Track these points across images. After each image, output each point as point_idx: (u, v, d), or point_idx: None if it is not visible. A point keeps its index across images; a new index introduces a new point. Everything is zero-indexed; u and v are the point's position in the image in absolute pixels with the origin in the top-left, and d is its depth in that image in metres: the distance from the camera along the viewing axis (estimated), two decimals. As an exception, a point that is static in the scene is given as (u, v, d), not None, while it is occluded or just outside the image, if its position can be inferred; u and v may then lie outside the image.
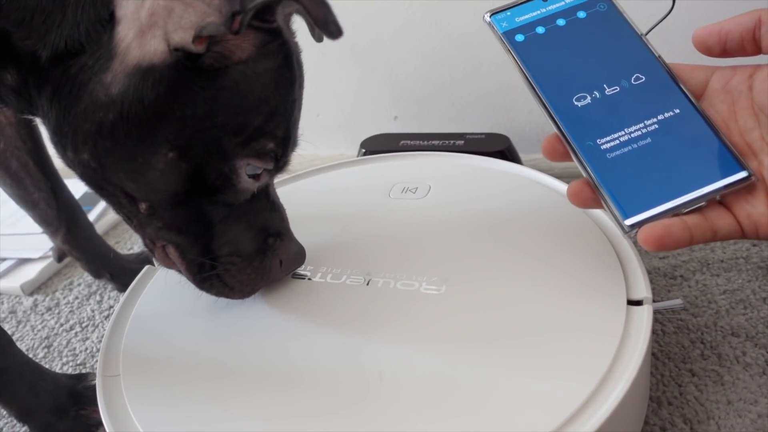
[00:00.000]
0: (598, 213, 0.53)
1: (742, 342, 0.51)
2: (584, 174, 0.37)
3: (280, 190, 0.61)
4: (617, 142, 0.37)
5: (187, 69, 0.37)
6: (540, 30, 0.41)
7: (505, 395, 0.37)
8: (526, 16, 0.42)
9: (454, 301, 0.45)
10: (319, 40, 0.48)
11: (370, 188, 0.61)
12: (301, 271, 0.51)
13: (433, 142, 0.72)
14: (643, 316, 0.41)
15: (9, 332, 0.66)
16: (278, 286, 0.49)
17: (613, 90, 0.39)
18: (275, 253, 0.46)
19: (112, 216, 0.89)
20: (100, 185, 0.41)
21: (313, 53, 0.79)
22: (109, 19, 0.36)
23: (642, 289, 0.44)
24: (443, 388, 0.39)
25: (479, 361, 0.40)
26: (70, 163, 0.41)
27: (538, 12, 0.42)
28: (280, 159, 0.43)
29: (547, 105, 0.39)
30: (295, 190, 0.64)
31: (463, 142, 0.71)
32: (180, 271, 0.46)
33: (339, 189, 0.63)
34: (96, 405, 0.43)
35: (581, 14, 0.41)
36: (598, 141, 0.37)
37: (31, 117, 0.42)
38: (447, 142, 0.71)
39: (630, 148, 0.37)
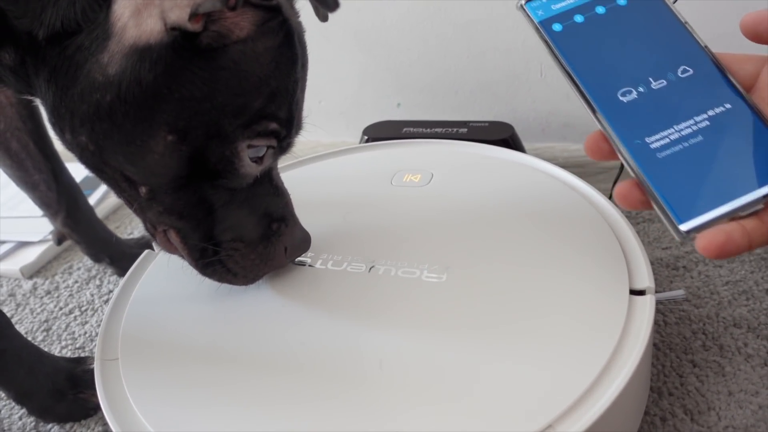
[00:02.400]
0: (602, 202, 0.53)
1: (744, 333, 0.50)
2: (632, 174, 0.34)
3: (282, 176, 0.61)
4: (667, 140, 0.34)
5: (185, 49, 0.36)
6: (578, 18, 0.39)
7: (505, 383, 0.37)
8: (563, 3, 0.39)
9: (455, 289, 0.45)
10: (323, 19, 0.47)
11: (372, 175, 0.61)
12: (302, 257, 0.50)
13: (436, 129, 0.71)
14: (646, 306, 0.41)
15: (8, 315, 0.66)
16: (279, 273, 0.49)
17: (659, 83, 0.36)
18: (280, 239, 0.45)
19: (113, 200, 0.88)
20: (99, 168, 0.41)
21: (316, 38, 0.78)
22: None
23: (645, 278, 0.43)
24: (443, 376, 0.38)
25: (480, 349, 0.40)
26: (69, 146, 0.40)
27: None
28: (283, 140, 0.42)
29: (591, 100, 0.36)
30: (297, 177, 0.63)
31: (466, 130, 0.70)
32: (182, 256, 0.45)
33: (341, 176, 0.63)
34: (94, 389, 0.43)
35: (621, 1, 0.39)
36: (646, 139, 0.35)
37: (30, 97, 0.41)
38: (450, 129, 0.70)
39: (681, 146, 0.34)
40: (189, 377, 0.42)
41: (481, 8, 0.73)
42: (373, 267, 0.48)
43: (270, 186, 0.45)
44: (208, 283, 0.48)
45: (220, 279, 0.45)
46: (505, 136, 0.67)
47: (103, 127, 0.37)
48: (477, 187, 0.57)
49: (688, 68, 0.37)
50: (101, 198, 0.88)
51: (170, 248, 0.45)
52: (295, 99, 0.41)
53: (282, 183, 0.47)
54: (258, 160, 0.41)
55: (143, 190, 0.41)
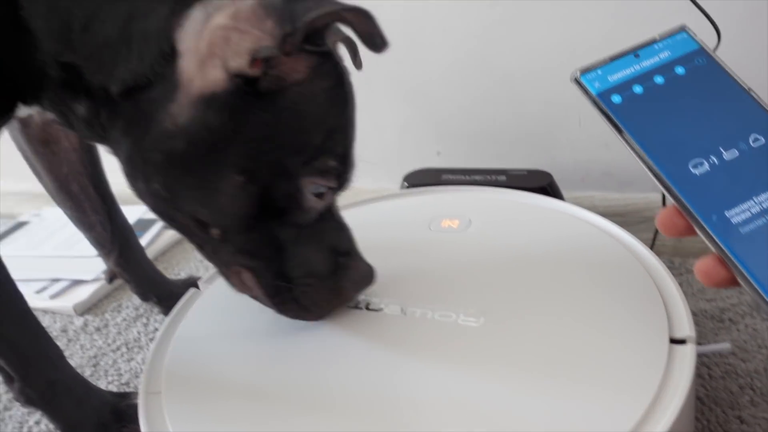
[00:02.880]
0: (641, 250, 0.52)
1: (795, 389, 0.49)
2: (714, 249, 0.33)
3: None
4: (749, 214, 0.33)
5: (247, 94, 0.38)
6: (637, 89, 0.37)
7: (540, 431, 0.37)
8: (620, 74, 0.38)
9: (491, 334, 0.45)
10: (359, 67, 0.50)
11: (410, 220, 0.62)
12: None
13: (475, 177, 0.72)
14: (686, 355, 0.40)
15: (60, 350, 0.69)
16: (317, 313, 0.50)
17: (731, 154, 0.35)
18: (347, 273, 0.47)
19: (163, 242, 0.92)
20: (170, 215, 0.43)
21: (360, 88, 0.82)
22: (171, 53, 0.38)
23: (685, 327, 0.43)
24: (478, 420, 0.38)
25: (515, 395, 0.40)
26: (142, 194, 0.43)
27: (632, 69, 0.38)
28: (341, 176, 0.44)
29: (661, 174, 0.35)
30: (338, 221, 0.65)
31: (504, 177, 0.71)
32: (255, 297, 0.47)
33: (380, 221, 0.64)
34: (137, 423, 0.44)
35: (680, 70, 0.38)
36: (726, 213, 0.33)
37: (100, 145, 0.44)
38: (489, 177, 0.71)
39: (765, 219, 0.33)
40: (229, 412, 0.43)
41: (520, 60, 0.75)
42: (409, 309, 0.49)
43: (333, 221, 0.47)
44: (249, 322, 0.49)
45: (295, 315, 0.47)
46: (543, 184, 0.68)
47: (176, 173, 0.40)
48: (515, 234, 0.57)
49: (759, 136, 0.35)
50: (152, 240, 0.92)
51: (244, 289, 0.47)
52: (349, 136, 0.44)
53: (342, 218, 0.48)
54: (320, 195, 0.43)
55: (215, 231, 0.43)
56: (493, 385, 0.41)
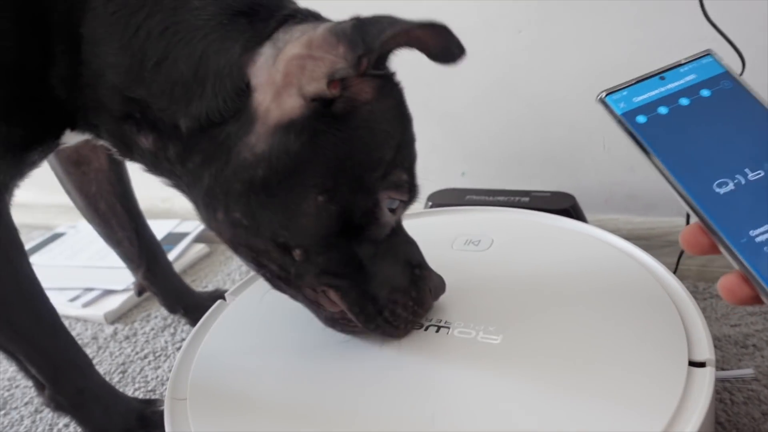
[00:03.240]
0: (663, 273, 0.52)
1: (819, 418, 0.48)
2: (738, 267, 0.33)
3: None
4: None
5: (323, 116, 0.40)
6: (663, 110, 0.38)
7: (556, 446, 0.37)
8: (645, 96, 0.39)
9: (510, 352, 0.46)
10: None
11: (433, 239, 0.63)
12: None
13: (499, 198, 0.73)
14: (705, 378, 0.40)
15: (90, 356, 0.71)
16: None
17: (756, 175, 0.35)
18: (424, 283, 0.48)
19: (191, 255, 0.94)
20: (250, 244, 0.44)
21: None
22: (246, 89, 0.40)
23: (705, 350, 0.43)
24: (494, 435, 0.39)
25: (531, 413, 0.40)
26: (220, 225, 0.44)
27: (657, 91, 0.39)
28: (412, 189, 0.46)
29: (686, 192, 0.35)
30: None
31: (528, 199, 0.72)
32: (344, 317, 0.48)
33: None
34: (162, 429, 0.46)
35: (705, 93, 0.38)
36: (751, 233, 0.33)
37: (163, 179, 0.46)
38: (512, 198, 0.72)
39: None
40: (252, 420, 0.44)
41: (545, 85, 0.76)
42: (429, 326, 0.50)
43: (403, 235, 0.49)
44: (273, 334, 0.51)
45: (384, 333, 0.48)
46: (566, 206, 0.68)
47: (259, 199, 0.42)
48: (536, 254, 0.58)
49: None
50: (181, 253, 0.94)
51: (333, 307, 0.47)
52: (413, 150, 0.46)
53: (406, 231, 0.50)
54: (393, 210, 0.45)
55: (297, 253, 0.43)
56: (509, 403, 0.41)
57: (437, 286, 0.50)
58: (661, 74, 0.40)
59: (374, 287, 0.46)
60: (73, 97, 0.45)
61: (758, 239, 0.33)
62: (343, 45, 0.38)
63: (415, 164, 0.47)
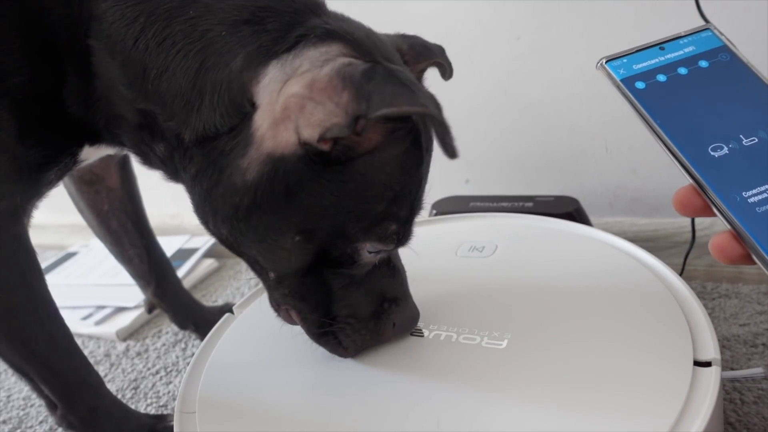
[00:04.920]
0: (666, 273, 0.52)
1: (831, 415, 0.48)
2: (730, 227, 0.34)
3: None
4: (765, 195, 0.34)
5: (315, 162, 0.38)
6: (661, 78, 0.39)
7: (561, 449, 0.37)
8: (645, 64, 0.40)
9: (515, 356, 0.46)
10: (448, 78, 0.53)
11: (438, 246, 0.63)
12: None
13: (503, 204, 0.73)
14: (711, 378, 0.40)
15: (102, 373, 0.72)
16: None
17: (751, 141, 0.36)
18: (389, 317, 0.47)
19: (201, 270, 0.95)
20: (237, 252, 0.45)
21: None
22: (248, 107, 0.39)
23: (710, 350, 0.42)
24: (499, 440, 0.39)
25: (536, 416, 0.40)
26: (211, 233, 0.45)
27: (657, 60, 0.40)
28: (401, 240, 0.44)
29: (681, 154, 0.36)
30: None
31: (532, 204, 0.72)
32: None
33: (409, 246, 0.66)
34: (173, 443, 0.46)
35: (703, 63, 0.39)
36: (744, 194, 0.34)
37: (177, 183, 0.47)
38: (516, 204, 0.72)
39: None
40: (259, 430, 0.44)
41: (545, 89, 0.77)
42: (434, 332, 0.50)
43: (387, 268, 0.47)
44: (281, 346, 0.51)
45: (331, 350, 0.48)
46: (570, 210, 0.68)
47: (240, 226, 0.42)
48: (541, 259, 0.58)
49: None
50: (191, 269, 0.95)
51: (291, 321, 0.48)
52: (415, 198, 0.43)
53: (399, 261, 0.49)
54: (376, 252, 0.44)
55: (272, 275, 0.45)
56: (515, 406, 0.41)
57: (405, 322, 0.48)
58: (661, 45, 0.41)
59: (334, 310, 0.45)
60: (90, 112, 0.45)
61: (750, 200, 0.34)
62: (348, 93, 0.35)
63: (417, 211, 0.44)
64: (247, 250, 0.43)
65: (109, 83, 0.43)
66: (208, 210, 0.43)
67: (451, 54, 0.79)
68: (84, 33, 0.42)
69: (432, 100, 0.36)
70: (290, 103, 0.37)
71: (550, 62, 0.75)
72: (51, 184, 0.49)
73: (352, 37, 0.40)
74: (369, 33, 0.43)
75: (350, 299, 0.45)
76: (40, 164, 0.46)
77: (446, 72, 0.53)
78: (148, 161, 0.47)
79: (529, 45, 0.75)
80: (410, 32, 0.78)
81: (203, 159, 0.41)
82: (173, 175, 0.45)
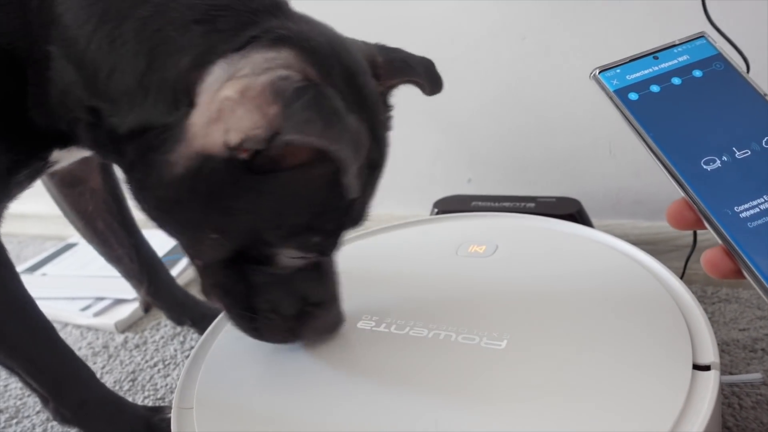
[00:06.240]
0: (667, 276, 0.52)
1: (829, 422, 0.48)
2: (721, 242, 0.34)
3: (355, 245, 0.65)
4: (757, 210, 0.34)
5: (238, 167, 0.38)
6: (654, 88, 0.39)
7: (558, 451, 0.37)
8: (638, 74, 0.39)
9: (514, 357, 0.46)
10: (430, 93, 0.52)
11: (439, 245, 0.63)
12: (366, 321, 0.53)
13: (504, 204, 0.73)
14: (709, 381, 0.40)
15: (100, 365, 0.72)
16: (344, 334, 0.51)
17: (744, 153, 0.36)
18: (310, 321, 0.48)
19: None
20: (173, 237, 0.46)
21: (394, 117, 0.84)
22: (185, 104, 0.38)
23: (709, 354, 0.42)
24: (497, 440, 0.39)
25: (534, 419, 0.40)
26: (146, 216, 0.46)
27: (650, 70, 0.39)
28: (324, 250, 0.45)
29: (673, 168, 0.36)
30: (368, 245, 0.66)
31: (533, 204, 0.72)
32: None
33: (409, 245, 0.66)
34: (170, 437, 0.46)
35: (697, 73, 0.39)
36: (736, 208, 0.34)
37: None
38: (517, 204, 0.72)
39: None
40: (258, 428, 0.44)
41: (550, 90, 0.77)
42: (433, 332, 0.50)
43: (314, 272, 0.47)
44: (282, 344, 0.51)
45: (248, 334, 0.49)
46: (572, 211, 0.68)
47: (165, 217, 0.43)
48: (541, 260, 0.58)
49: None
50: (188, 264, 0.94)
51: (218, 305, 0.49)
52: (350, 212, 0.43)
53: (330, 266, 0.48)
54: (300, 258, 0.44)
55: (197, 263, 0.46)
56: (514, 407, 0.41)
57: (324, 328, 0.49)
58: (654, 54, 0.40)
59: (256, 303, 0.46)
60: (53, 118, 0.44)
61: (742, 215, 0.34)
62: (276, 107, 0.35)
63: (350, 225, 0.44)
64: (175, 239, 0.45)
65: (67, 87, 0.43)
66: (141, 199, 0.44)
67: (455, 54, 0.79)
68: (44, 39, 0.42)
69: (350, 135, 0.36)
70: (224, 105, 0.37)
71: (555, 64, 0.75)
72: (22, 186, 0.49)
73: (308, 44, 0.40)
74: (333, 40, 0.42)
75: (271, 296, 0.46)
76: (9, 168, 0.46)
77: (428, 89, 0.51)
78: (108, 158, 0.48)
79: (534, 46, 0.75)
80: (415, 32, 0.79)
81: (137, 151, 0.41)
82: (122, 167, 0.45)
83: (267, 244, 0.42)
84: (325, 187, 0.40)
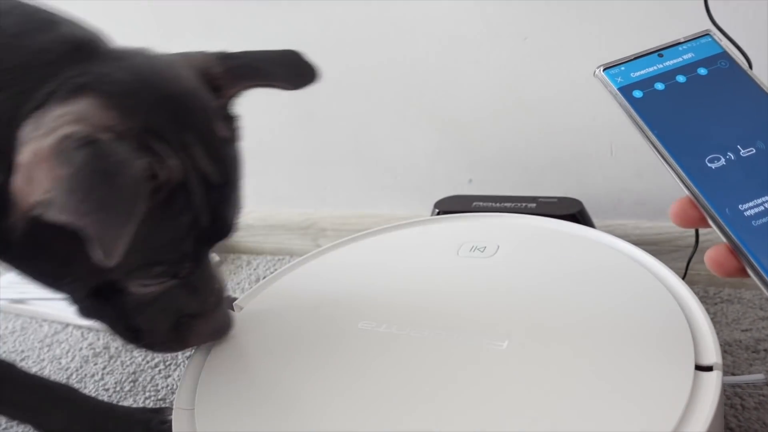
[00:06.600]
0: (670, 278, 0.52)
1: (832, 423, 0.47)
2: (725, 240, 0.34)
3: (356, 245, 0.65)
4: (762, 208, 0.34)
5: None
6: (659, 86, 0.39)
7: (560, 452, 0.37)
8: (642, 72, 0.39)
9: (515, 358, 0.45)
10: (294, 88, 0.50)
11: (439, 246, 0.63)
12: (367, 321, 0.52)
13: (505, 204, 0.73)
14: (712, 382, 0.40)
15: (101, 366, 0.72)
16: (345, 335, 0.51)
17: (748, 151, 0.36)
18: (188, 332, 0.49)
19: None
20: None
21: (393, 118, 0.84)
22: (7, 167, 0.38)
23: (712, 354, 0.42)
24: (498, 441, 0.39)
25: (536, 419, 0.40)
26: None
27: (655, 68, 0.39)
28: (178, 273, 0.45)
29: (677, 166, 0.36)
30: (369, 246, 0.66)
31: (534, 205, 0.72)
32: None
33: (410, 245, 0.65)
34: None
35: (702, 71, 0.39)
36: (740, 207, 0.34)
37: None
38: (519, 204, 0.72)
39: None
40: (259, 429, 0.44)
41: (552, 90, 0.76)
42: (434, 333, 0.50)
43: (185, 288, 0.47)
44: (282, 344, 0.51)
45: (139, 348, 0.51)
46: (573, 212, 0.68)
47: (16, 263, 0.44)
48: (543, 260, 0.58)
49: None
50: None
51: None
52: (200, 235, 0.44)
53: (205, 276, 0.49)
54: (157, 284, 0.45)
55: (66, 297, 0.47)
56: (515, 408, 0.41)
57: (206, 335, 0.50)
58: (659, 51, 0.40)
59: (134, 324, 0.47)
60: None
61: (747, 213, 0.33)
62: (60, 169, 0.35)
63: (205, 246, 0.45)
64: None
65: None
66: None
67: (456, 54, 0.79)
68: None
69: (106, 203, 0.35)
70: (27, 168, 0.37)
71: (557, 63, 0.75)
72: None
73: (110, 87, 0.39)
74: (144, 71, 0.42)
75: (145, 317, 0.47)
76: None
77: (289, 84, 0.50)
78: None
79: (536, 46, 0.75)
80: (416, 32, 0.78)
81: None
82: None
83: (116, 281, 0.43)
84: (146, 226, 0.39)
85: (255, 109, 0.73)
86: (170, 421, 0.47)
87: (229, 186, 0.45)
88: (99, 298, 0.45)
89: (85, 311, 0.48)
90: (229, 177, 0.45)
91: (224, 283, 0.52)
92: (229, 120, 0.47)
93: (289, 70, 0.49)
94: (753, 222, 0.33)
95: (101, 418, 0.55)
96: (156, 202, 0.40)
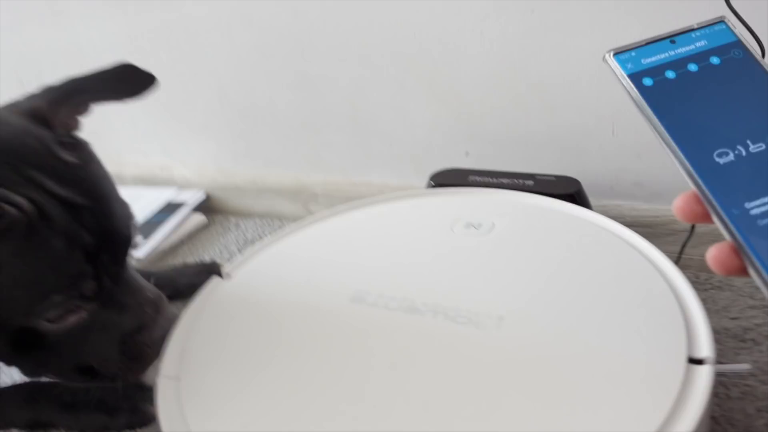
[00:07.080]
0: (666, 265, 0.51)
1: (815, 417, 0.48)
2: (729, 238, 0.33)
3: (347, 217, 0.64)
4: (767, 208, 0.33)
5: None
6: (670, 74, 0.37)
7: (549, 440, 0.37)
8: (654, 58, 0.38)
9: (506, 339, 0.45)
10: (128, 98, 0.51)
11: (433, 221, 0.62)
12: (357, 297, 0.52)
13: (502, 180, 0.72)
14: (704, 376, 0.40)
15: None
16: (336, 312, 0.51)
17: (758, 147, 0.34)
18: (139, 348, 0.49)
19: (188, 225, 0.94)
20: None
21: (390, 85, 0.81)
22: None
23: (705, 348, 0.42)
24: (487, 426, 0.38)
25: (524, 409, 0.40)
26: None
27: (667, 54, 0.38)
28: (84, 293, 0.45)
29: (685, 160, 0.34)
30: (360, 218, 0.65)
31: (532, 182, 0.70)
32: None
33: (403, 220, 0.64)
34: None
35: (715, 60, 0.38)
36: (746, 205, 0.33)
37: None
38: (516, 181, 0.71)
39: None
40: (243, 399, 0.44)
41: (556, 65, 0.75)
42: (425, 311, 0.49)
43: (111, 308, 0.47)
44: (271, 313, 0.50)
45: (102, 385, 0.50)
46: (571, 191, 0.67)
47: None
48: (538, 239, 0.57)
49: None
50: (179, 223, 0.93)
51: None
52: (90, 254, 0.44)
53: (130, 290, 0.49)
54: (70, 316, 0.45)
55: None
56: (504, 392, 0.41)
57: (158, 340, 0.50)
58: (672, 38, 0.39)
59: (84, 362, 0.47)
60: None
61: (752, 212, 0.33)
62: None
63: (113, 263, 0.46)
64: None
65: None
66: None
67: (460, 25, 0.76)
68: None
69: None
70: None
71: (563, 38, 0.73)
72: None
73: None
74: None
75: (85, 351, 0.47)
76: None
77: (121, 95, 0.50)
78: None
79: (542, 19, 0.73)
80: (420, 3, 0.75)
81: None
82: None
83: (28, 328, 0.44)
84: (14, 264, 0.41)
85: (248, 71, 0.70)
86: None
87: (101, 202, 0.46)
88: (25, 349, 0.45)
89: (27, 370, 0.48)
90: (94, 195, 0.46)
91: (156, 291, 0.51)
92: (74, 147, 0.48)
93: (117, 85, 0.50)
94: (759, 221, 0.32)
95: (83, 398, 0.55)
96: (13, 239, 0.40)
